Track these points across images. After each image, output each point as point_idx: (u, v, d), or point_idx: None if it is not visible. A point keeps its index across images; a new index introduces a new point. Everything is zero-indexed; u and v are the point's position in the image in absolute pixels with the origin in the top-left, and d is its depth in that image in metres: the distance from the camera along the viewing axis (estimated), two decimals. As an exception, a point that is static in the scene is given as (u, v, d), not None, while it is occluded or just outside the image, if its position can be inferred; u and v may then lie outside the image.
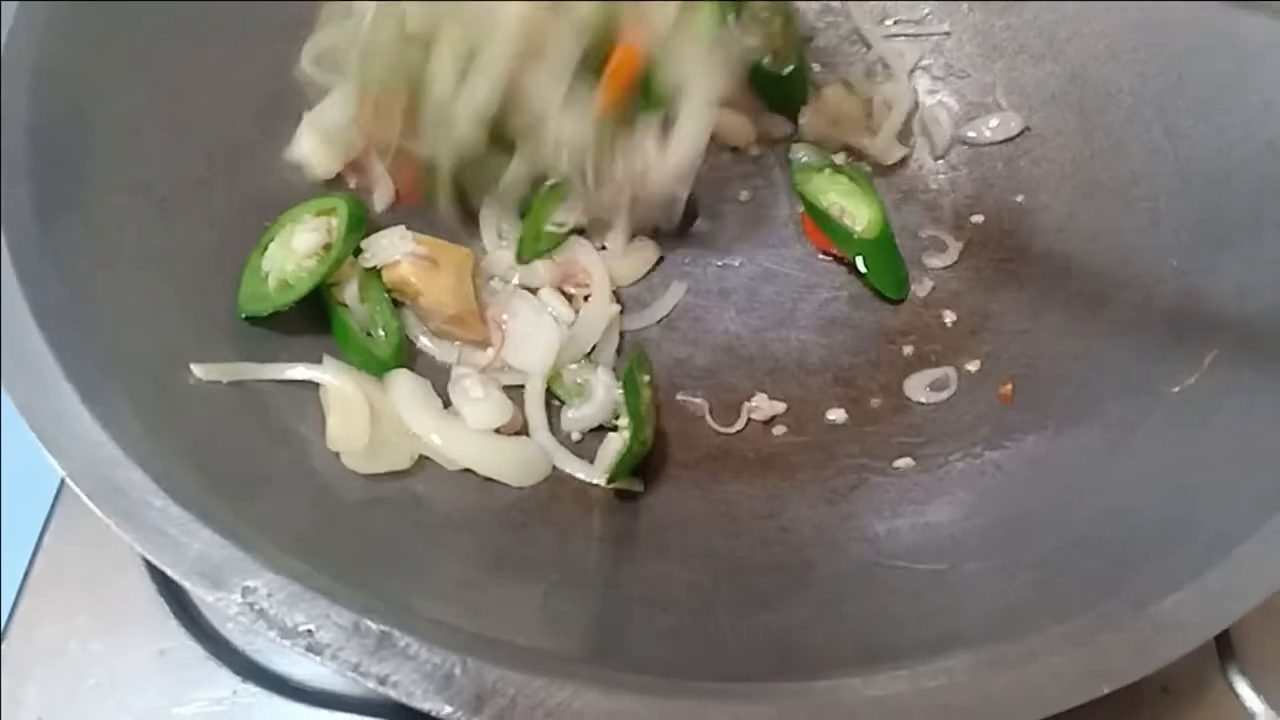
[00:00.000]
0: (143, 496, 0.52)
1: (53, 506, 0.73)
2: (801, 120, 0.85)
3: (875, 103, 0.86)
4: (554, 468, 0.68)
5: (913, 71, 0.88)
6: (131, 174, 0.67)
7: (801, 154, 0.82)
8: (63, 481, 0.75)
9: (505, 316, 0.72)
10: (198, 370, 0.62)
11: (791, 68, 0.83)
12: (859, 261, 0.78)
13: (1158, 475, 0.62)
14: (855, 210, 0.78)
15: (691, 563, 0.63)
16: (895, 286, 0.78)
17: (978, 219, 0.81)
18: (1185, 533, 0.57)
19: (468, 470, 0.66)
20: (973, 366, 0.74)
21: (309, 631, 0.49)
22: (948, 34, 0.88)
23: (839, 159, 0.83)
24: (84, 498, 0.52)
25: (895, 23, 0.90)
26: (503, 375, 0.71)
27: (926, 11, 0.89)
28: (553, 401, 0.72)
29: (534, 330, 0.71)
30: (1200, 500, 0.59)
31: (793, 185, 0.81)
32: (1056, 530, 0.61)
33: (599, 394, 0.70)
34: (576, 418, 0.70)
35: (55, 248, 0.60)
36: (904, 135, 0.86)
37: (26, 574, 0.71)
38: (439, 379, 0.70)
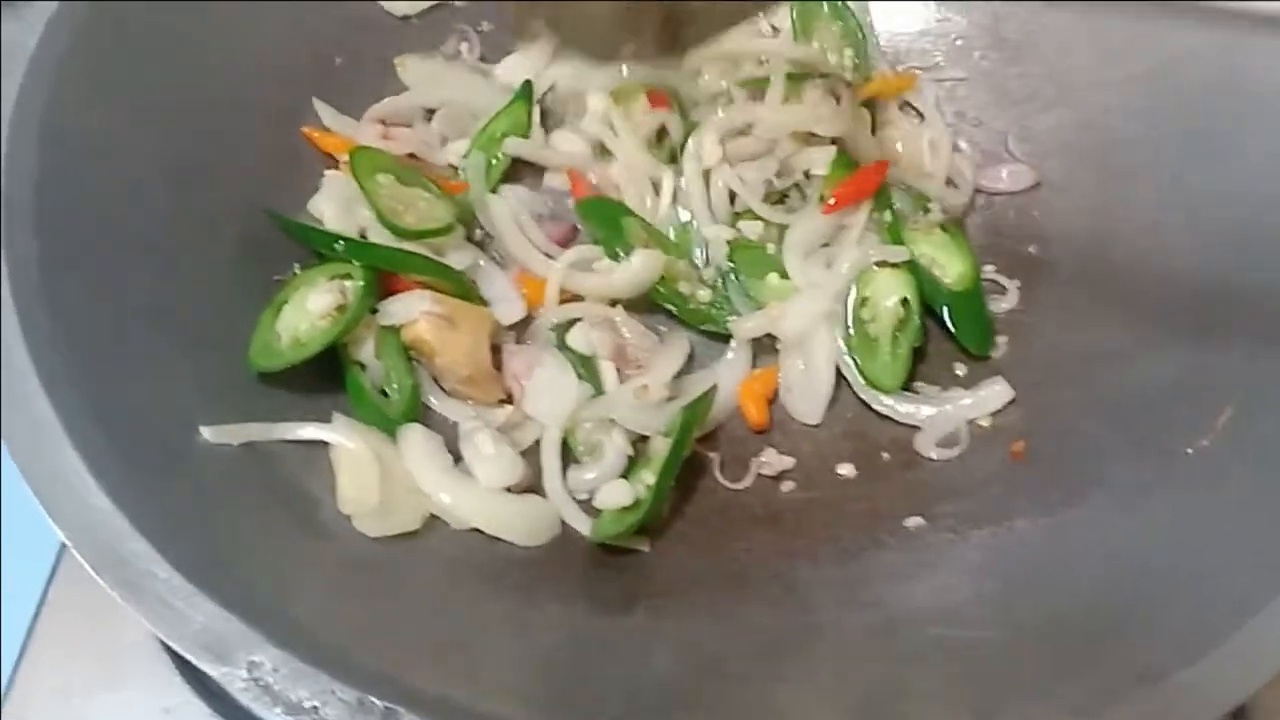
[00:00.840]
0: (147, 567, 0.52)
1: (56, 561, 0.72)
2: None
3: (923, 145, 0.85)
4: (562, 524, 0.67)
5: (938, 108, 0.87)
6: (136, 229, 0.67)
7: (897, 200, 0.79)
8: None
9: (532, 370, 0.72)
10: (207, 433, 0.61)
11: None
12: (945, 314, 0.76)
13: (1170, 539, 0.61)
14: (946, 262, 0.77)
15: (700, 624, 0.63)
16: (980, 342, 0.76)
17: (989, 269, 0.80)
18: (1199, 600, 0.56)
19: (476, 529, 0.65)
20: (984, 422, 0.73)
21: (314, 709, 0.49)
22: (961, 79, 0.88)
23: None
24: (87, 568, 0.51)
25: (910, 69, 0.89)
26: (516, 432, 0.71)
27: (939, 59, 0.89)
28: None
29: (557, 382, 0.71)
30: (1215, 566, 0.58)
31: (884, 229, 0.78)
32: (1067, 596, 0.60)
33: (610, 457, 0.69)
34: (584, 479, 0.70)
35: (60, 305, 0.60)
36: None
37: (30, 630, 0.70)
38: (450, 433, 0.70)
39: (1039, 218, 0.82)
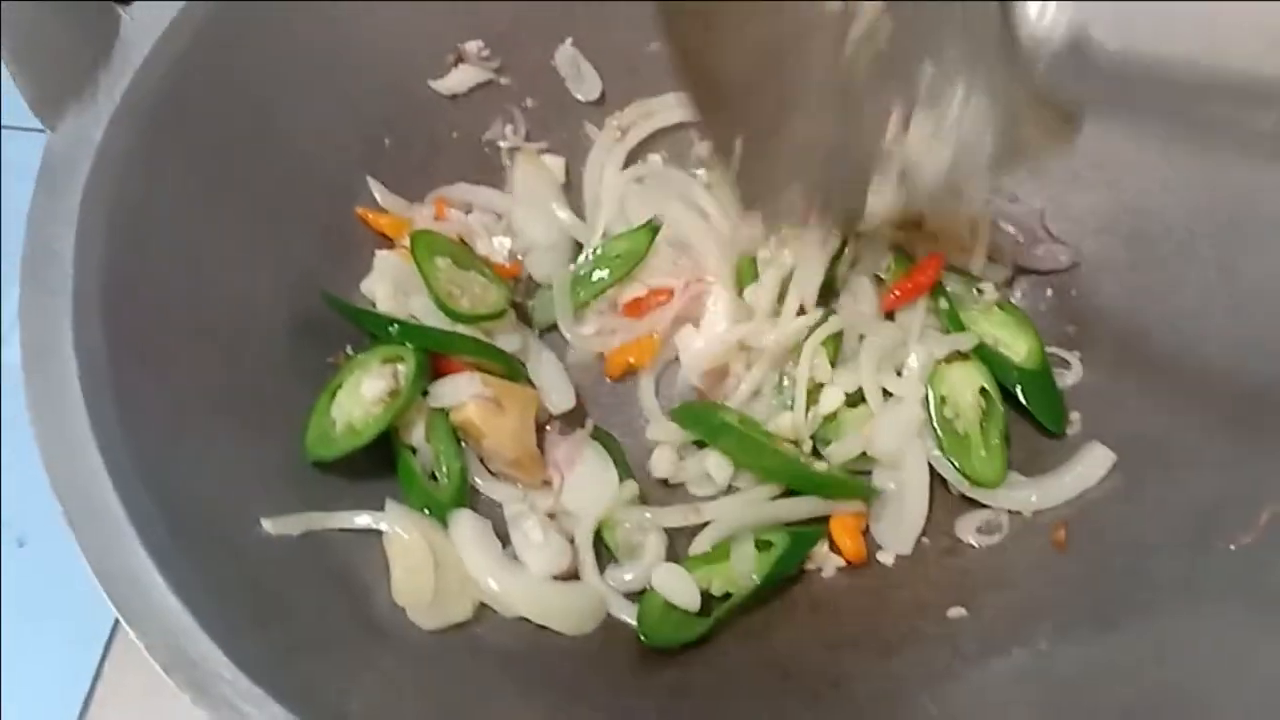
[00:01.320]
0: (215, 669, 0.53)
1: (109, 641, 0.74)
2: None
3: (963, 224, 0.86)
4: (607, 614, 0.69)
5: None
6: (197, 315, 0.69)
7: (950, 284, 0.80)
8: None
9: (573, 462, 0.74)
10: (268, 525, 0.63)
11: None
12: (1019, 392, 0.77)
13: (1216, 642, 0.61)
14: (1012, 341, 0.78)
15: (743, 718, 0.64)
16: (1054, 419, 0.77)
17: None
18: (1244, 704, 0.57)
19: (523, 618, 0.67)
20: (1026, 514, 0.74)
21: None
22: (997, 157, 0.89)
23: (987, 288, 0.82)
24: (159, 670, 0.53)
25: (945, 145, 0.90)
26: (561, 518, 0.72)
27: (976, 135, 0.90)
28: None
29: (597, 477, 0.73)
30: (1261, 671, 0.58)
31: (943, 316, 0.79)
32: (1109, 701, 0.60)
33: (648, 559, 0.71)
34: (622, 579, 0.71)
35: (127, 397, 0.62)
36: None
37: (88, 696, 0.72)
38: (496, 514, 0.72)
39: (1077, 298, 0.83)
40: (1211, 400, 0.72)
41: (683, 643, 0.68)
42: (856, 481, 0.73)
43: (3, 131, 1.07)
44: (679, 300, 0.80)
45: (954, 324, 0.78)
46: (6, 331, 0.95)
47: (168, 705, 0.73)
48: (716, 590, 0.70)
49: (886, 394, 0.77)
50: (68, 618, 0.80)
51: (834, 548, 0.73)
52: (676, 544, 0.73)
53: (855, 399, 0.77)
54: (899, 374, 0.77)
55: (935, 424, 0.75)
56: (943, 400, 0.76)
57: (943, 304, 0.79)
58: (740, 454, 0.74)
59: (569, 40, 0.90)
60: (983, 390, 0.76)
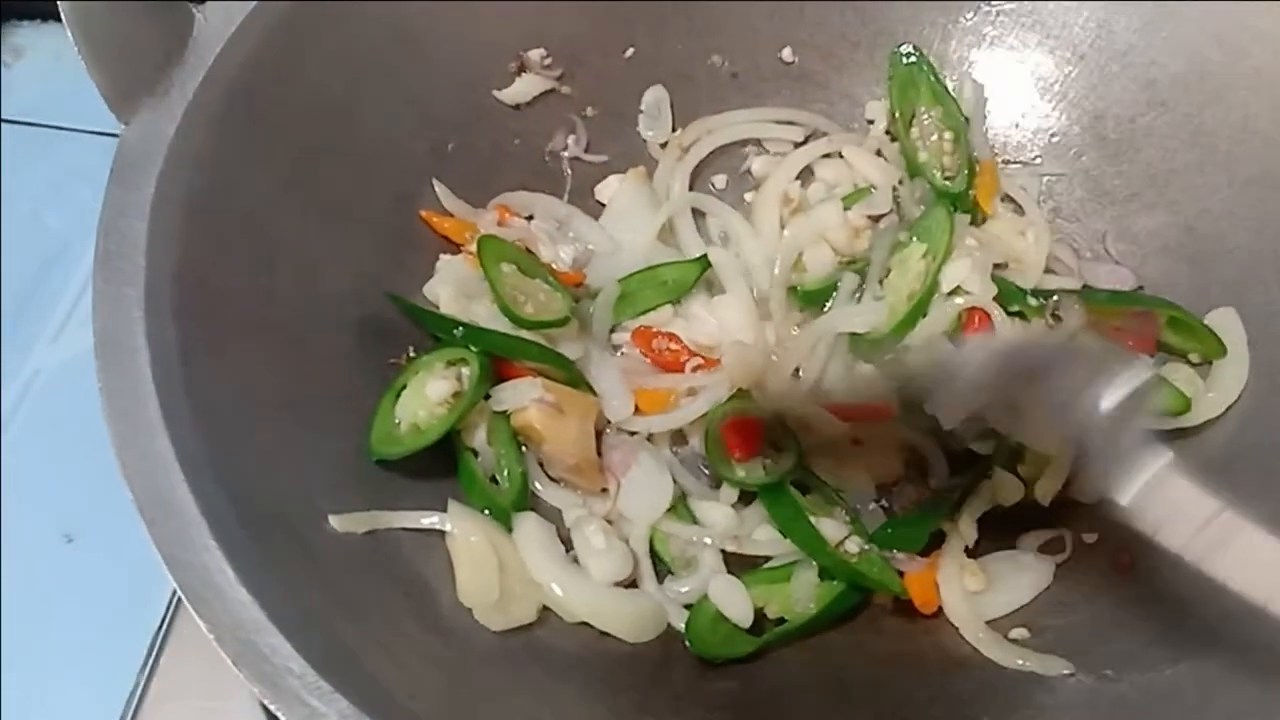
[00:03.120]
0: (284, 663, 0.53)
1: (167, 618, 0.74)
2: (969, 242, 0.83)
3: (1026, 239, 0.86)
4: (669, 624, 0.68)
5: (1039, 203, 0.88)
6: (267, 314, 0.69)
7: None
8: (173, 599, 0.78)
9: (629, 467, 0.73)
10: (335, 522, 0.63)
11: (964, 186, 0.85)
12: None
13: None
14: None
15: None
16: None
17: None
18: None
19: (585, 623, 0.66)
20: (1090, 538, 0.73)
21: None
22: (1059, 176, 0.89)
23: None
24: (229, 662, 0.53)
25: (1007, 163, 0.90)
26: (619, 524, 0.72)
27: (1036, 155, 0.90)
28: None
29: (653, 482, 0.73)
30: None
31: None
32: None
33: (704, 572, 0.70)
34: (678, 591, 0.71)
35: (198, 394, 0.62)
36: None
37: (137, 692, 0.72)
38: (556, 518, 0.72)
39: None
40: (1279, 423, 0.72)
41: (728, 657, 0.67)
42: (890, 574, 0.70)
43: (4, 127, 1.08)
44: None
45: None
46: (58, 332, 0.98)
47: (215, 704, 0.74)
48: (772, 613, 0.69)
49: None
50: (115, 614, 0.80)
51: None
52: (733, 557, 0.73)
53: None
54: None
55: None
56: None
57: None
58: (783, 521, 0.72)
59: (658, 85, 0.91)
60: None
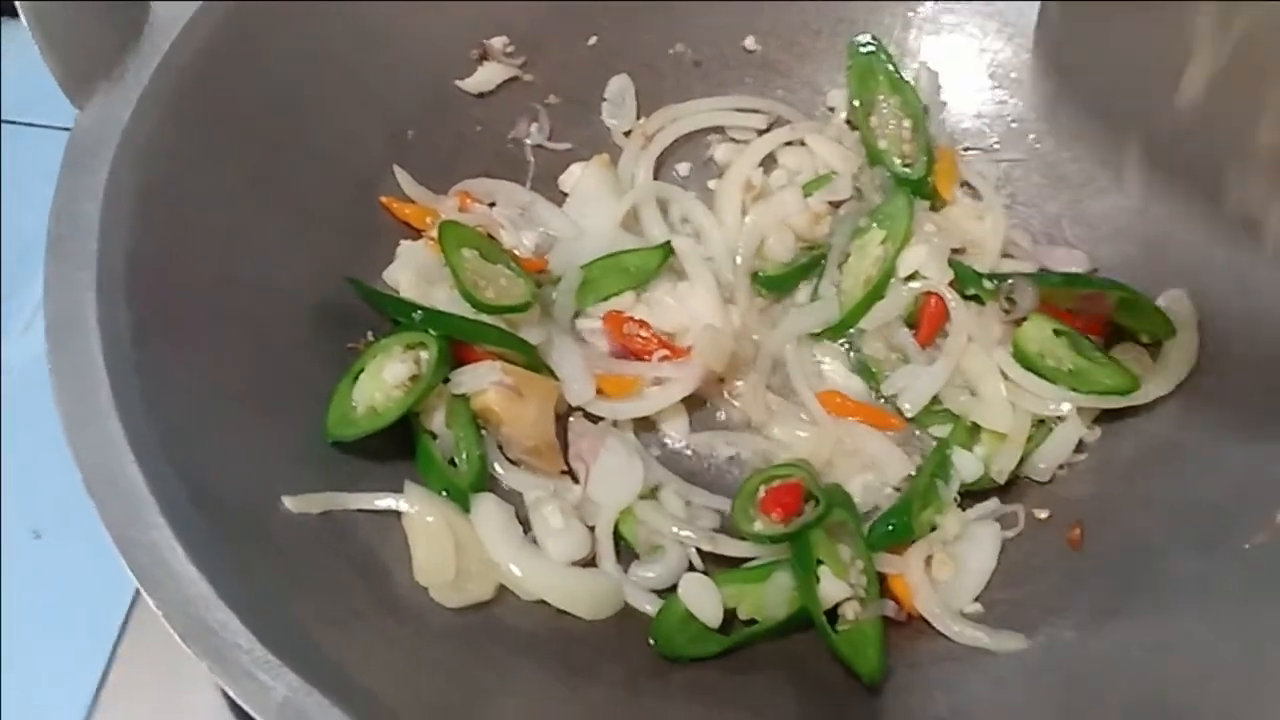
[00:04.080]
0: (233, 639, 0.53)
1: (127, 617, 0.74)
2: (928, 228, 0.83)
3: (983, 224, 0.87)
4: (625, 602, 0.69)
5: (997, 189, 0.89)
6: (222, 298, 0.69)
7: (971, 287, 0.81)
8: (137, 593, 0.78)
9: (598, 452, 0.74)
10: (289, 503, 0.63)
11: (923, 173, 0.86)
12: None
13: (1228, 639, 0.61)
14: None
15: (762, 712, 0.64)
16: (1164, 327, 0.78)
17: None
18: (1257, 703, 0.57)
19: (542, 601, 0.67)
20: (1041, 513, 0.74)
21: (391, 785, 0.50)
22: (1017, 161, 0.89)
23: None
24: (176, 637, 0.53)
25: (966, 149, 0.91)
26: (584, 507, 0.72)
27: (995, 141, 0.91)
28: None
29: (622, 468, 0.73)
30: (1273, 667, 0.58)
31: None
32: (1123, 694, 0.60)
33: (671, 560, 0.71)
34: (643, 576, 0.71)
35: (150, 376, 0.62)
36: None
37: (100, 686, 0.72)
38: (516, 500, 0.72)
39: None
40: (1226, 400, 0.73)
41: (694, 657, 0.67)
42: (867, 657, 0.65)
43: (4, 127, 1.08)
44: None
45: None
46: (26, 327, 0.97)
47: (180, 697, 0.74)
48: (743, 614, 0.69)
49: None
50: (82, 609, 0.79)
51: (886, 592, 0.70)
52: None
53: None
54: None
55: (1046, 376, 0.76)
56: (1040, 355, 0.77)
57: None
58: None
59: (623, 74, 0.92)
60: (1055, 331, 0.77)
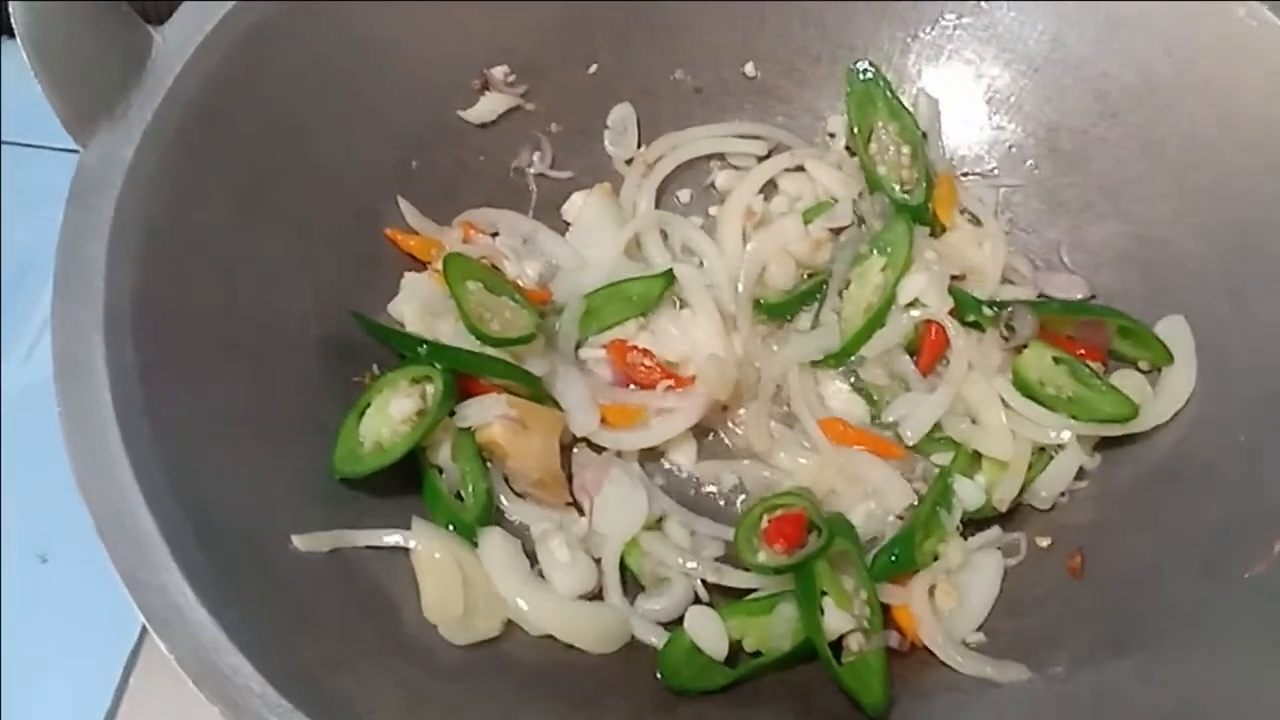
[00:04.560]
0: (245, 682, 0.54)
1: (135, 652, 0.75)
2: (927, 255, 0.84)
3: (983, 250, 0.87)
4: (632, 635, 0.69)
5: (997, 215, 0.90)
6: (228, 333, 0.69)
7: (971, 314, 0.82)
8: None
9: (601, 484, 0.74)
10: (298, 541, 0.64)
11: (922, 199, 0.87)
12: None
13: (1227, 669, 0.62)
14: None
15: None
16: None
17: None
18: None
19: (549, 635, 0.67)
20: (1043, 541, 0.75)
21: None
22: (1016, 187, 0.90)
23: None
24: (190, 683, 0.53)
25: (965, 175, 0.92)
26: (590, 540, 0.73)
27: (993, 166, 0.91)
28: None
29: (627, 500, 0.74)
30: (1272, 700, 0.59)
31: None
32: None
33: (677, 592, 0.71)
34: (649, 609, 0.71)
35: (158, 414, 0.62)
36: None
37: (115, 704, 0.73)
38: (522, 533, 0.72)
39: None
40: (1227, 428, 0.73)
41: (700, 690, 0.67)
42: (872, 689, 0.66)
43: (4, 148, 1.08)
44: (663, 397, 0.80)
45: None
46: (30, 350, 0.97)
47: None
48: (749, 646, 0.69)
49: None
50: (90, 634, 0.80)
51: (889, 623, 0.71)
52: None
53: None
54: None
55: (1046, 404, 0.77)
56: (1040, 383, 0.77)
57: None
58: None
59: (625, 103, 0.93)
60: (1055, 359, 0.78)
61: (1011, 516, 0.76)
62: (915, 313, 0.81)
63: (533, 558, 0.71)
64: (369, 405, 0.72)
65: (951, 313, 0.81)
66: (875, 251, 0.84)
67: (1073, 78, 0.87)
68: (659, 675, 0.68)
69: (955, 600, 0.71)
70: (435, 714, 0.60)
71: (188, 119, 0.71)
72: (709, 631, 0.68)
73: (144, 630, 0.77)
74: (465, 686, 0.62)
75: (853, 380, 0.82)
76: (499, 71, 0.89)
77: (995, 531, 0.76)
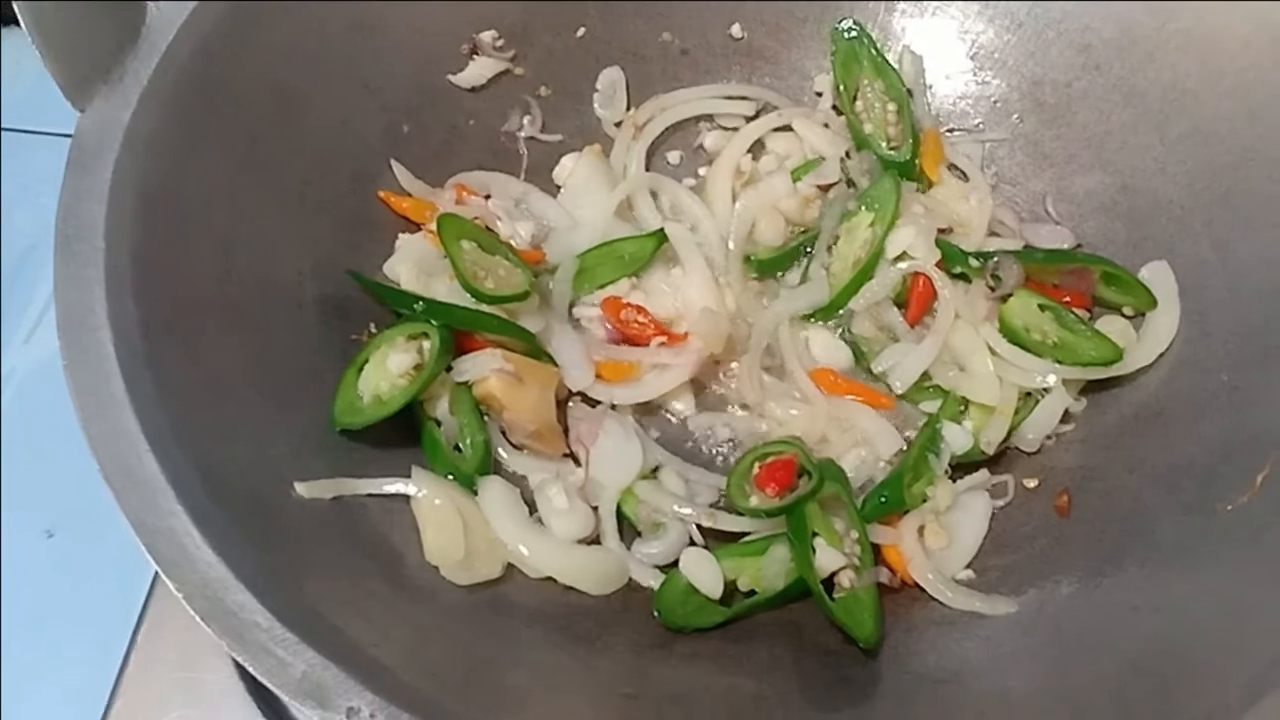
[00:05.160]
0: (251, 618, 0.55)
1: (145, 602, 0.76)
2: (915, 209, 0.85)
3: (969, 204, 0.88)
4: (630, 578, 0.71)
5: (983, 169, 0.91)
6: (227, 293, 0.71)
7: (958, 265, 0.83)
8: (156, 577, 0.80)
9: (597, 436, 0.75)
10: (300, 489, 0.65)
11: (909, 156, 0.88)
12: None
13: (1213, 596, 0.63)
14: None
15: (762, 677, 0.65)
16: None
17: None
18: (1241, 656, 0.58)
19: (549, 578, 0.69)
20: (1030, 482, 0.76)
21: (411, 753, 0.52)
22: (1001, 141, 0.91)
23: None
24: (198, 619, 0.55)
25: (951, 130, 0.93)
26: (586, 489, 0.74)
27: (978, 121, 0.92)
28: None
29: (621, 449, 0.75)
30: (1256, 622, 0.60)
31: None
32: (1113, 651, 0.63)
33: (672, 537, 0.73)
34: (646, 553, 0.73)
35: (161, 368, 0.64)
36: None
37: (122, 669, 0.74)
38: (521, 482, 0.74)
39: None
40: (1210, 368, 0.75)
41: (696, 628, 0.69)
42: (863, 623, 0.67)
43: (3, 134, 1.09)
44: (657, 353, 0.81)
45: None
46: (31, 332, 0.99)
47: (194, 694, 0.76)
48: (743, 585, 0.71)
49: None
50: (95, 607, 0.82)
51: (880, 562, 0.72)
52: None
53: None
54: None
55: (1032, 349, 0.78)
56: (1026, 329, 0.79)
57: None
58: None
59: (614, 67, 0.94)
60: (1040, 306, 0.79)
61: (999, 460, 0.78)
62: (903, 265, 0.82)
63: (531, 506, 0.72)
64: (367, 360, 0.73)
65: (939, 265, 0.82)
66: (863, 207, 0.85)
67: (1055, 31, 0.89)
68: (656, 614, 0.69)
69: (944, 540, 0.73)
70: (441, 648, 0.61)
71: (183, 83, 0.72)
72: (704, 572, 0.69)
73: (147, 603, 0.80)
74: (468, 623, 0.64)
75: (841, 333, 0.84)
76: (488, 36, 0.90)
77: (983, 474, 0.77)
